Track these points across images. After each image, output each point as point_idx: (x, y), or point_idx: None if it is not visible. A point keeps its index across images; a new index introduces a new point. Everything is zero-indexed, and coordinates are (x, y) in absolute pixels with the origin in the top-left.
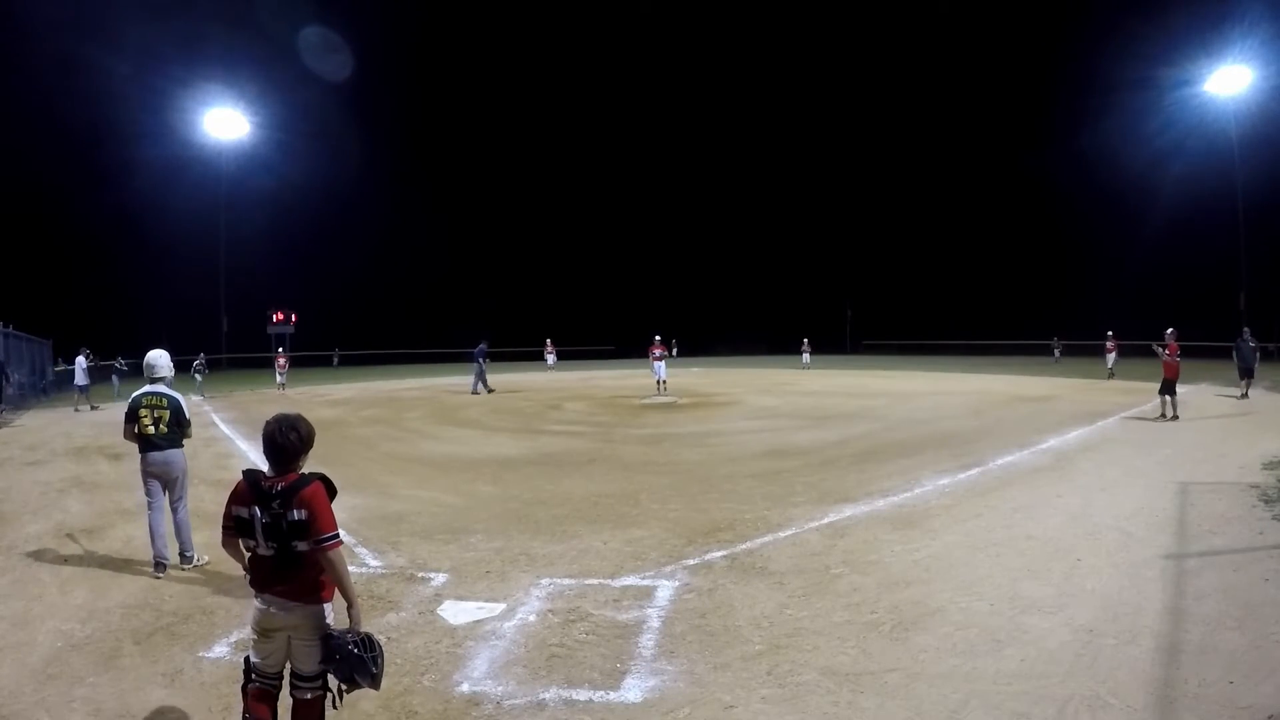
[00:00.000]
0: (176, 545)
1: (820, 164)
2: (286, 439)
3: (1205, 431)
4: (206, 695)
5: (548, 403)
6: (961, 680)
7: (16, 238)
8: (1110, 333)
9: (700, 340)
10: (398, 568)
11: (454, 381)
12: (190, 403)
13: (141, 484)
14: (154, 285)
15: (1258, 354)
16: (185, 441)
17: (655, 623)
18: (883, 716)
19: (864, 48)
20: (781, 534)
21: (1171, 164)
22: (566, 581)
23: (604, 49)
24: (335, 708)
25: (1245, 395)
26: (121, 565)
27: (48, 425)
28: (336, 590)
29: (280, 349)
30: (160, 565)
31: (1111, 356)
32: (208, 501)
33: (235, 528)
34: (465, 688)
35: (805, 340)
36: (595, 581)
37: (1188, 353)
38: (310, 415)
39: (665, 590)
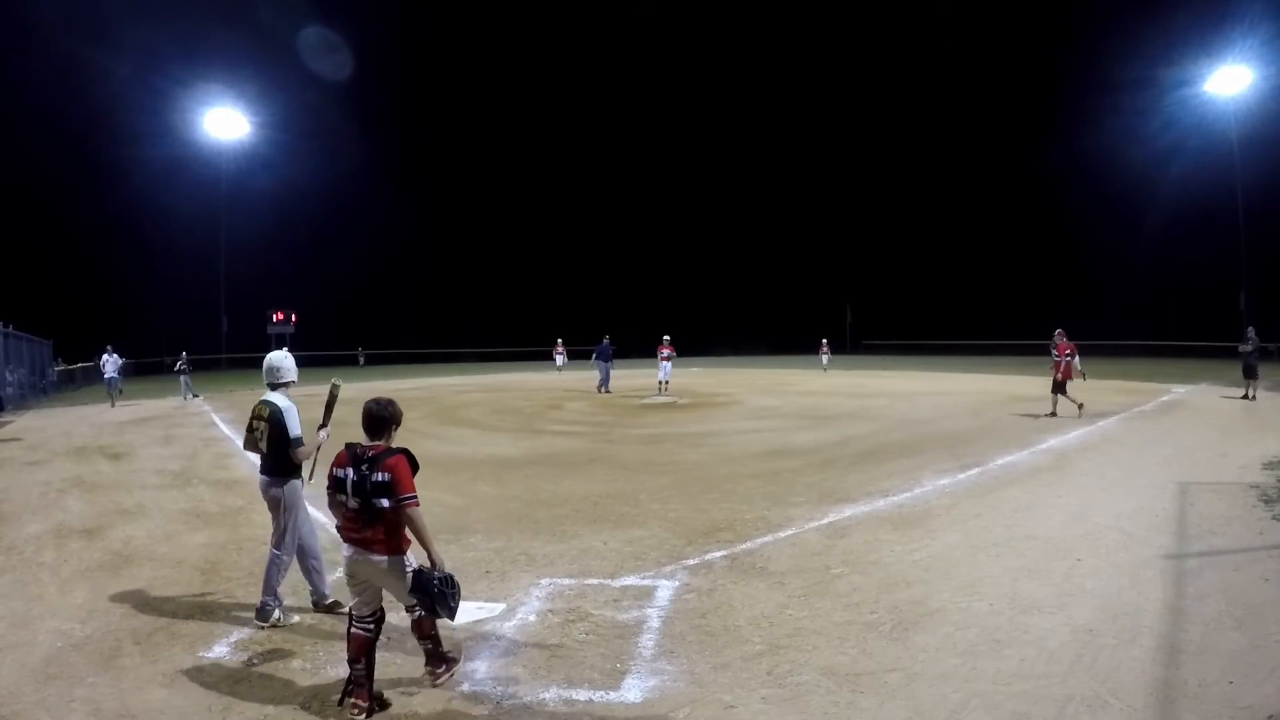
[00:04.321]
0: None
1: (821, 164)
2: (382, 412)
3: (1205, 431)
4: (206, 695)
5: (548, 403)
6: (961, 680)
7: (16, 237)
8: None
9: (701, 340)
10: None
11: (465, 380)
12: (191, 404)
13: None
14: (154, 285)
15: (1257, 354)
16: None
17: (655, 623)
18: (883, 716)
19: (864, 47)
20: (781, 534)
21: (1171, 164)
22: (566, 581)
23: (604, 49)
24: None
25: (1248, 396)
26: (121, 565)
27: (48, 425)
28: (415, 540)
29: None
30: (318, 602)
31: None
32: (208, 502)
33: (333, 485)
34: (465, 688)
35: (824, 341)
36: (595, 581)
37: (1188, 353)
38: (310, 415)
39: (665, 590)
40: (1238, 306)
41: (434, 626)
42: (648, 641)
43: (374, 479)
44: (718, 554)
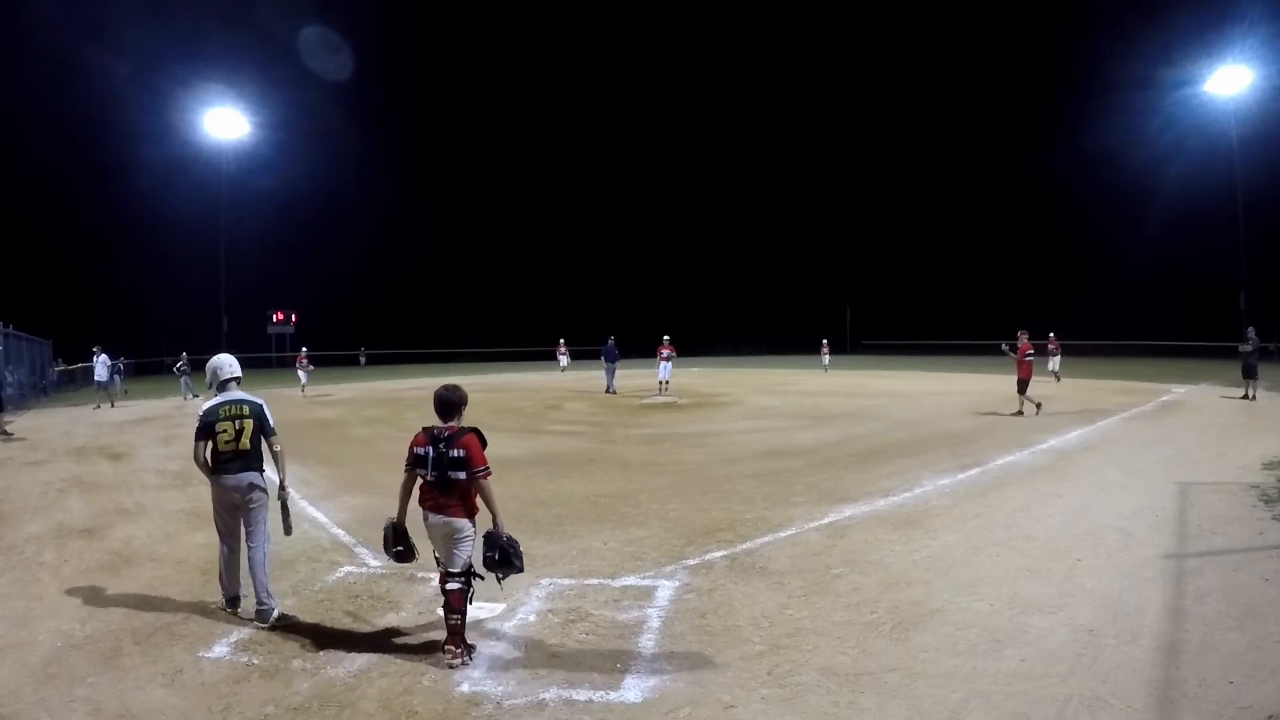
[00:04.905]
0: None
1: (820, 164)
2: (451, 397)
3: (1205, 431)
4: (206, 695)
5: (548, 403)
6: (961, 680)
7: (16, 237)
8: (1051, 334)
9: (701, 340)
10: (398, 568)
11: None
12: (191, 404)
13: (214, 516)
14: (154, 285)
15: (1257, 354)
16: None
17: (655, 623)
18: (883, 716)
19: (864, 48)
20: (781, 534)
21: (1171, 164)
22: (566, 581)
23: (604, 49)
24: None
25: (1248, 396)
26: (121, 565)
27: (48, 425)
28: (481, 507)
29: (304, 348)
30: (234, 600)
31: (1056, 359)
32: (208, 502)
33: (412, 463)
34: (465, 688)
35: (825, 342)
36: (595, 581)
37: (1188, 353)
38: (311, 416)
39: (665, 590)
40: (1238, 306)
41: (463, 603)
42: (648, 641)
43: (451, 455)
44: (718, 554)
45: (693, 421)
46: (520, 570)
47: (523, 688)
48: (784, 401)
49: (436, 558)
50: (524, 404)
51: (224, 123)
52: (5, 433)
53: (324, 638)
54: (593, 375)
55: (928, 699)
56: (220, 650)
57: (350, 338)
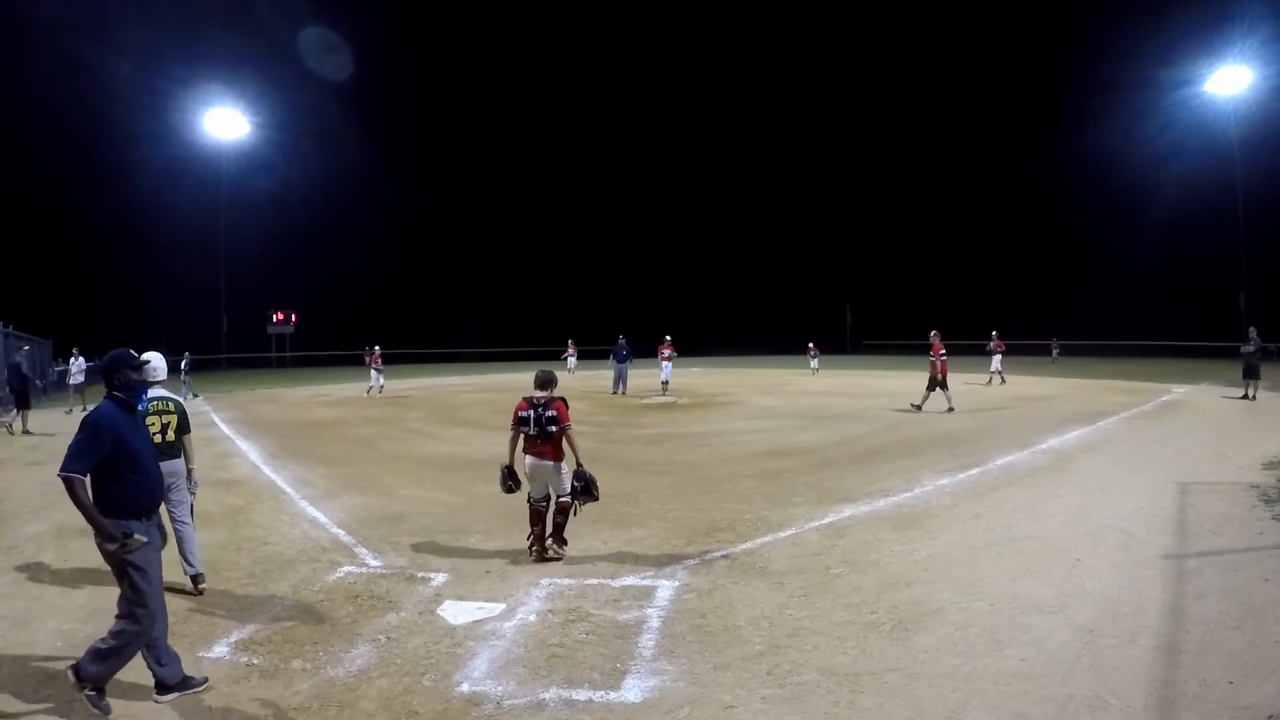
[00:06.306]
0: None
1: (819, 165)
2: (547, 376)
3: (1205, 431)
4: (206, 695)
5: None
6: (961, 680)
7: (16, 238)
8: (995, 332)
9: (701, 340)
10: (398, 568)
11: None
12: (191, 404)
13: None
14: (154, 285)
15: (1259, 354)
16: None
17: (655, 623)
18: (883, 716)
19: (864, 48)
20: (781, 534)
21: (1171, 164)
22: (566, 581)
23: (604, 49)
24: (575, 515)
25: (1248, 396)
26: None
27: (48, 425)
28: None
29: (376, 347)
30: (199, 579)
31: (997, 359)
32: (209, 503)
33: (517, 423)
34: (465, 688)
35: (811, 345)
36: (595, 581)
37: (1188, 353)
38: (310, 416)
39: (665, 590)
40: (1238, 306)
41: (569, 512)
42: (648, 641)
43: (546, 415)
44: (718, 554)
45: (693, 421)
46: (597, 499)
47: (523, 688)
48: (784, 401)
49: (529, 495)
50: None
51: (224, 123)
52: (10, 430)
53: (324, 638)
54: (601, 375)
55: (928, 699)
56: (220, 650)
57: (350, 338)
